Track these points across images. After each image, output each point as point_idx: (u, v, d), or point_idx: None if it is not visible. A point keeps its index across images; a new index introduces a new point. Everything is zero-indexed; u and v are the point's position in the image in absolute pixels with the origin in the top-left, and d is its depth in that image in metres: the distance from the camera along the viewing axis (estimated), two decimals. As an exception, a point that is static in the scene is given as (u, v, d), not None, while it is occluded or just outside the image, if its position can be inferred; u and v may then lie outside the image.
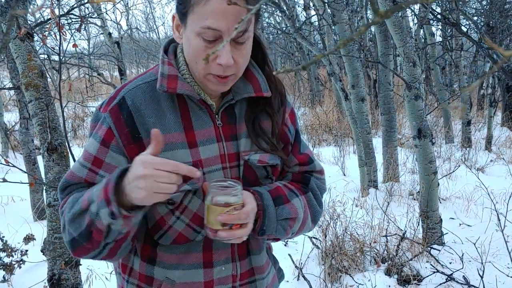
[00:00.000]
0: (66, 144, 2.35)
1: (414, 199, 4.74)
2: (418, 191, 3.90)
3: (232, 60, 0.98)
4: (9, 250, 2.99)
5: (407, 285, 3.04)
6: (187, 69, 1.08)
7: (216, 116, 1.10)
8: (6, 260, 2.99)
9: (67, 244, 1.04)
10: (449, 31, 8.33)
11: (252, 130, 1.13)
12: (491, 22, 6.24)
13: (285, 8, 6.00)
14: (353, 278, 3.10)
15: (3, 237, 3.04)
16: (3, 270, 2.97)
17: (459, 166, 5.57)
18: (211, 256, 1.10)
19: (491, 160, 6.39)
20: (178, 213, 1.06)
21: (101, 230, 0.96)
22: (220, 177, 1.08)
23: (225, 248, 1.11)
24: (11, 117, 9.35)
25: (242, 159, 1.12)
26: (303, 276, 3.16)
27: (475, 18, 7.06)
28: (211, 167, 1.07)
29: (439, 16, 6.10)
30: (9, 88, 3.24)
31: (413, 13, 6.99)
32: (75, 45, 2.78)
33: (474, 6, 8.09)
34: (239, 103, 1.14)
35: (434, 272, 3.10)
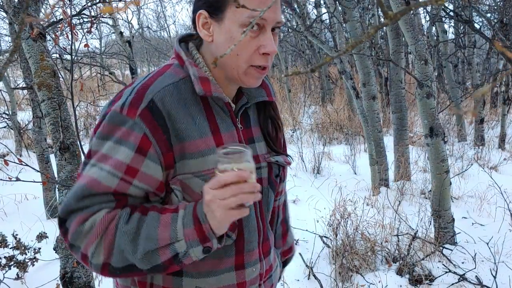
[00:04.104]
0: (78, 143, 2.37)
1: (426, 198, 4.70)
2: (430, 190, 3.87)
3: (275, 47, 1.01)
4: (23, 248, 3.02)
5: (418, 285, 3.01)
6: (209, 70, 1.07)
7: (237, 119, 1.11)
8: (20, 257, 3.02)
9: (113, 268, 0.97)
10: (461, 28, 8.24)
11: (267, 134, 1.18)
12: (505, 19, 6.15)
13: (296, 6, 5.99)
14: (364, 277, 3.09)
15: (17, 235, 3.07)
16: (17, 268, 3.00)
17: (471, 164, 5.51)
18: (242, 258, 1.10)
19: (505, 159, 6.31)
20: None
21: (184, 264, 0.98)
22: None
23: (254, 249, 1.12)
24: (24, 116, 9.45)
25: (267, 160, 1.16)
26: (314, 275, 3.15)
27: (488, 15, 6.98)
28: None
29: (451, 13, 6.04)
30: (23, 88, 3.27)
31: (425, 10, 6.93)
32: (86, 45, 2.81)
33: (487, 3, 7.99)
34: (251, 107, 1.17)
35: (446, 272, 3.07)
